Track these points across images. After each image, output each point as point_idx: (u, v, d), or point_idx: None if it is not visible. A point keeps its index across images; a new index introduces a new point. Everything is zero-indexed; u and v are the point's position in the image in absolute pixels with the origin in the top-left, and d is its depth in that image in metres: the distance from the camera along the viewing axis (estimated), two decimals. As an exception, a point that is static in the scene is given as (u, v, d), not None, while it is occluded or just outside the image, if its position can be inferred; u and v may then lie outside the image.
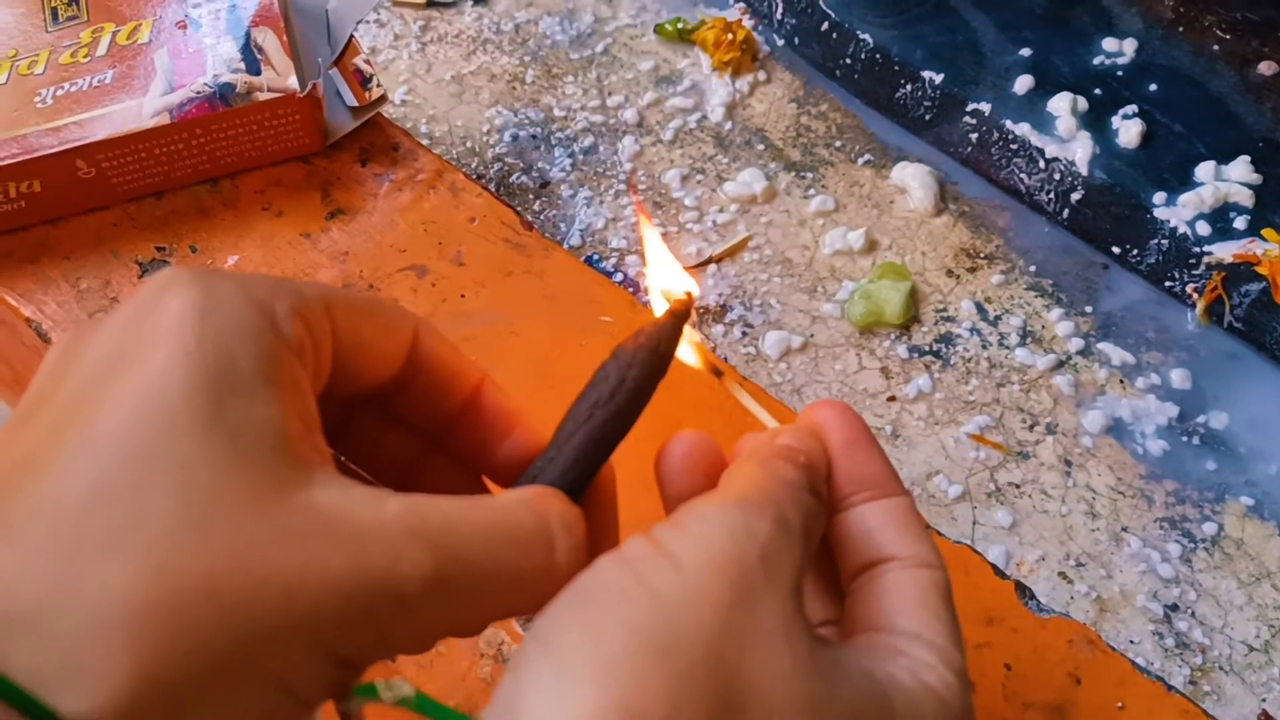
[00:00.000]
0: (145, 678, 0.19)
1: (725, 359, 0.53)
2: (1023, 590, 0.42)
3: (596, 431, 0.28)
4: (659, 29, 0.63)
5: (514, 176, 0.58)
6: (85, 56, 0.47)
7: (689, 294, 0.31)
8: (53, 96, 0.46)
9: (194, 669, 0.19)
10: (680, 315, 0.30)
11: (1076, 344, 0.54)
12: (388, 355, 0.27)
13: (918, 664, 0.24)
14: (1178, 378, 0.53)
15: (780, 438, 0.28)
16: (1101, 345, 0.54)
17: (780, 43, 0.63)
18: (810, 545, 0.25)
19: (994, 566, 0.42)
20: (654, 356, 0.29)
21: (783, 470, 0.26)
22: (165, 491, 0.20)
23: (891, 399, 0.52)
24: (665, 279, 0.33)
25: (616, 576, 0.22)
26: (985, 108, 0.55)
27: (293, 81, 0.46)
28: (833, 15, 0.59)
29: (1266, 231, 0.50)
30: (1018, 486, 0.50)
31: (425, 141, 0.59)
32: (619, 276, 0.55)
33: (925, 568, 0.27)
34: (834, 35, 0.59)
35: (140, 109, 0.46)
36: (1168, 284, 0.54)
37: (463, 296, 0.47)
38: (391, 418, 0.29)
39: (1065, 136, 0.54)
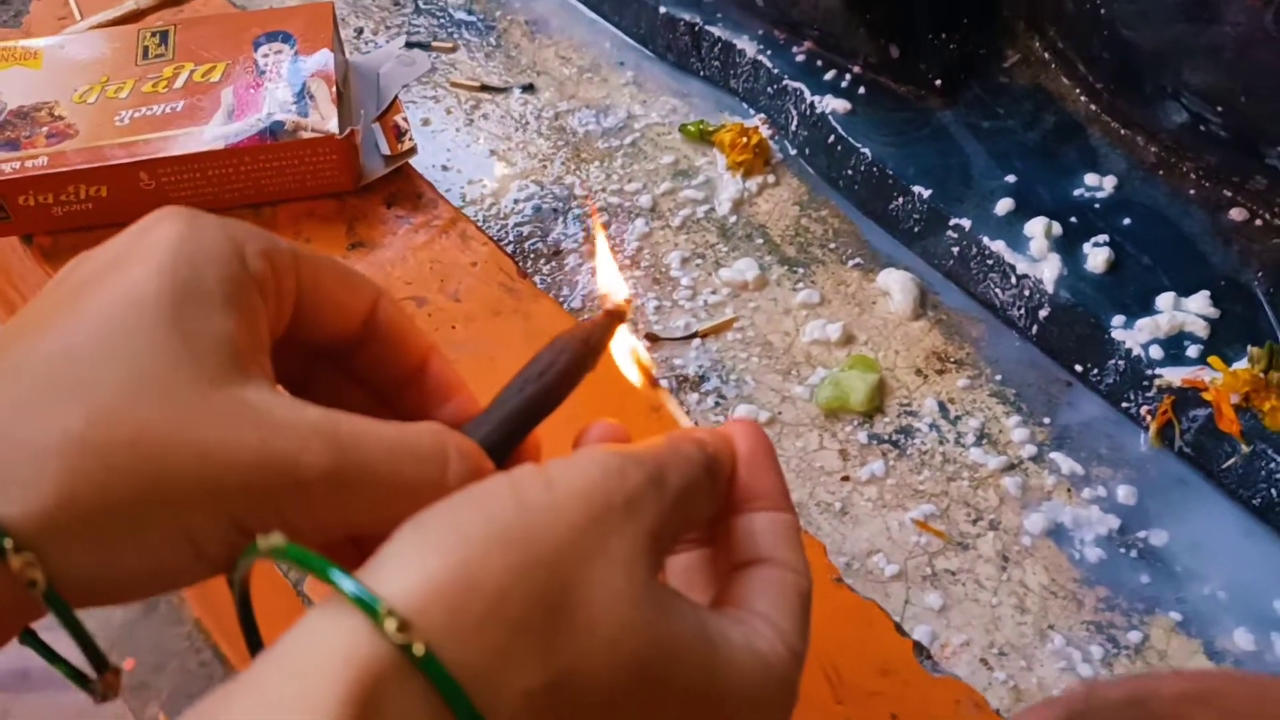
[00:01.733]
0: (66, 497, 0.23)
1: (695, 424, 0.57)
2: (920, 650, 0.44)
3: (523, 404, 0.32)
4: (683, 129, 0.69)
5: (530, 241, 0.63)
6: (164, 88, 0.54)
7: (627, 300, 0.36)
8: (130, 118, 0.53)
9: (109, 500, 0.24)
10: (614, 315, 0.35)
11: (1030, 450, 0.57)
12: (348, 312, 0.32)
13: (754, 632, 0.27)
14: (1124, 493, 0.55)
15: (696, 432, 0.31)
16: (1054, 455, 0.56)
17: (792, 151, 0.68)
18: (686, 510, 0.28)
19: (896, 624, 0.45)
20: (584, 346, 0.33)
21: (683, 446, 0.29)
22: (119, 364, 0.25)
23: (845, 479, 0.55)
24: (608, 286, 0.38)
25: (497, 483, 0.26)
26: (966, 224, 0.60)
27: (333, 125, 0.53)
28: (839, 130, 0.64)
29: (1212, 359, 0.53)
30: (953, 574, 0.53)
31: (459, 202, 0.65)
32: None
33: (793, 573, 0.30)
34: (839, 148, 0.65)
35: (202, 135, 0.53)
36: (1124, 405, 0.57)
37: (453, 328, 0.52)
38: (350, 375, 0.34)
39: (1037, 256, 0.58)
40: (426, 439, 0.28)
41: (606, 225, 0.62)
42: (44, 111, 0.53)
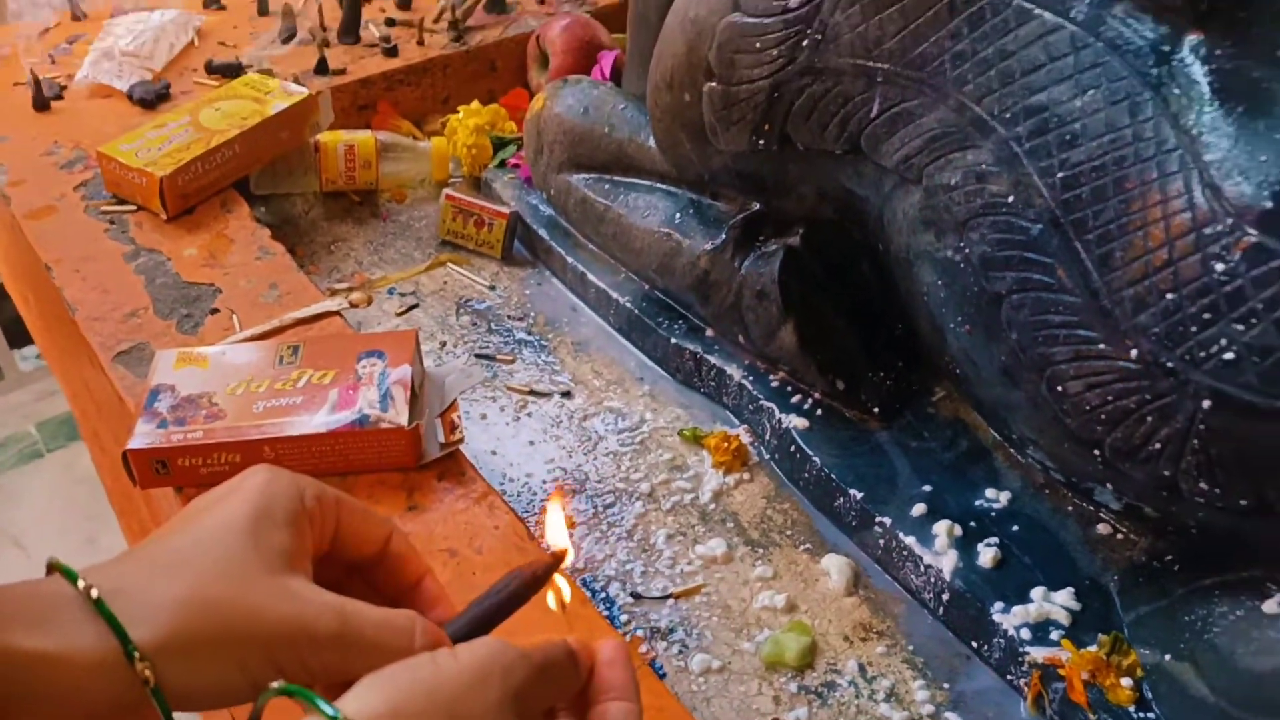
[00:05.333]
0: (170, 632, 0.41)
1: (659, 668, 0.71)
2: None
3: (482, 612, 0.49)
4: (681, 433, 0.87)
5: (550, 514, 0.81)
6: (290, 386, 0.75)
7: (564, 551, 0.52)
8: (264, 406, 0.74)
9: (198, 637, 0.41)
10: (555, 559, 0.51)
11: (929, 709, 0.69)
12: (370, 540, 0.50)
13: None
14: (1002, 750, 0.67)
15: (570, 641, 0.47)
16: (948, 714, 0.69)
17: (766, 456, 0.86)
18: (549, 679, 0.43)
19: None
20: (532, 577, 0.50)
21: (554, 641, 0.44)
22: (213, 558, 0.43)
23: (775, 719, 0.69)
24: (554, 538, 0.54)
25: (425, 655, 0.41)
26: (888, 521, 0.76)
27: (404, 420, 0.73)
28: (799, 442, 0.82)
29: (1064, 641, 0.67)
30: (853, 805, 0.65)
31: (500, 480, 0.84)
32: (602, 595, 0.76)
33: None
34: (798, 456, 0.82)
35: (311, 421, 0.73)
36: (1009, 677, 0.70)
37: (474, 574, 0.69)
38: (371, 584, 0.51)
39: (940, 551, 0.73)
40: (403, 620, 0.45)
41: (567, 496, 0.81)
42: (204, 399, 0.74)
